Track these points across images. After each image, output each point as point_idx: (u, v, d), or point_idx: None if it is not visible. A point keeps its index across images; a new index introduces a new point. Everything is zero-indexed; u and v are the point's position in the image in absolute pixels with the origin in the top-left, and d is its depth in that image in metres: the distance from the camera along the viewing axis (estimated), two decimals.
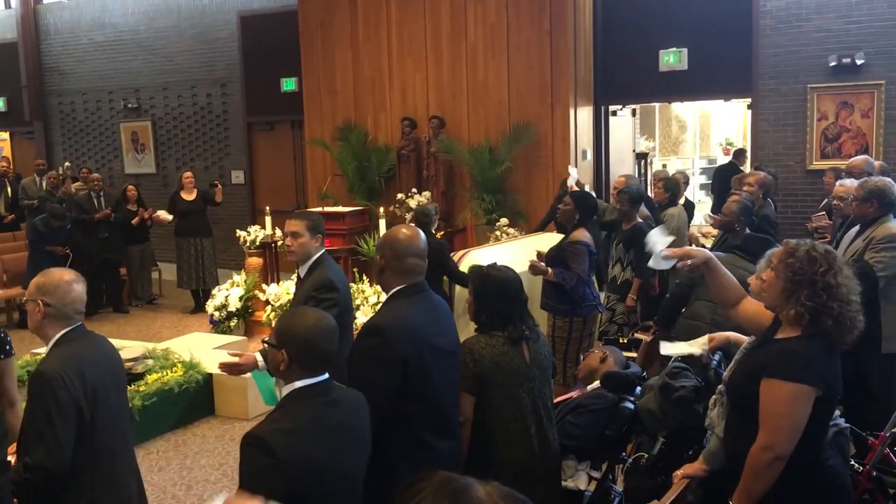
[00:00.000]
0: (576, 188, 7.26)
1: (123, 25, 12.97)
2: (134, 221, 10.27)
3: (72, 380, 2.83)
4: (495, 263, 3.47)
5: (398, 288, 3.04)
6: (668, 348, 3.55)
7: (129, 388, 4.42)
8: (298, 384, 2.45)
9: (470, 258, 6.89)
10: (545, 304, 5.72)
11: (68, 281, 2.97)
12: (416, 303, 3.02)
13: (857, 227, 4.87)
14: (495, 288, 3.31)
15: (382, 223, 8.72)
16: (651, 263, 3.37)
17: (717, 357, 3.55)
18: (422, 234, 3.16)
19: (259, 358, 3.76)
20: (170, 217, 10.16)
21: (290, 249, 4.04)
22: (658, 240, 3.33)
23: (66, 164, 12.18)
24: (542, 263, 5.59)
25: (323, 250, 4.12)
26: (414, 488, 1.25)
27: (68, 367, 2.86)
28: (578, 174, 8.44)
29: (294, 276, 8.49)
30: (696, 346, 3.47)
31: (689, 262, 3.19)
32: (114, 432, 3.02)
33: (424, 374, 2.92)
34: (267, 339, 2.55)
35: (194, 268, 10.19)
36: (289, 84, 11.41)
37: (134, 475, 3.20)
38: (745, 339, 3.13)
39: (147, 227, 10.56)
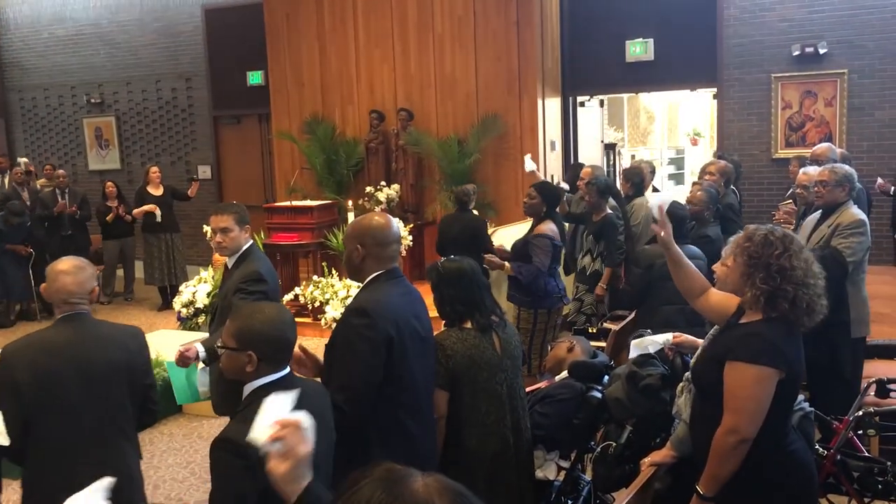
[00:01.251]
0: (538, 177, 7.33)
1: (85, 19, 12.75)
2: (108, 218, 10.11)
3: (15, 365, 2.96)
4: (450, 257, 3.50)
5: (377, 273, 3.03)
6: (634, 349, 3.57)
7: None
8: (260, 382, 2.41)
9: (498, 236, 6.98)
10: (511, 297, 5.73)
11: (57, 271, 3.11)
12: (393, 286, 3.04)
13: (817, 214, 4.90)
14: (450, 278, 3.34)
15: (351, 216, 8.68)
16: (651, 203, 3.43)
17: None
18: (392, 219, 3.14)
19: (200, 349, 3.71)
20: (154, 207, 9.95)
21: (221, 245, 4.05)
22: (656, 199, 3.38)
23: (24, 159, 11.86)
24: (497, 259, 5.75)
25: (251, 241, 4.16)
26: (356, 478, 1.27)
27: (19, 351, 3.01)
28: (548, 165, 8.47)
29: None
30: (660, 339, 3.52)
31: (662, 233, 3.18)
32: (69, 423, 2.98)
33: (404, 356, 2.93)
34: (220, 343, 2.46)
35: (165, 264, 10.07)
36: (255, 77, 11.30)
37: (95, 469, 3.04)
38: None
39: (127, 223, 10.34)
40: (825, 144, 6.53)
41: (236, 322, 2.46)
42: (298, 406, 2.42)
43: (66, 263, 3.13)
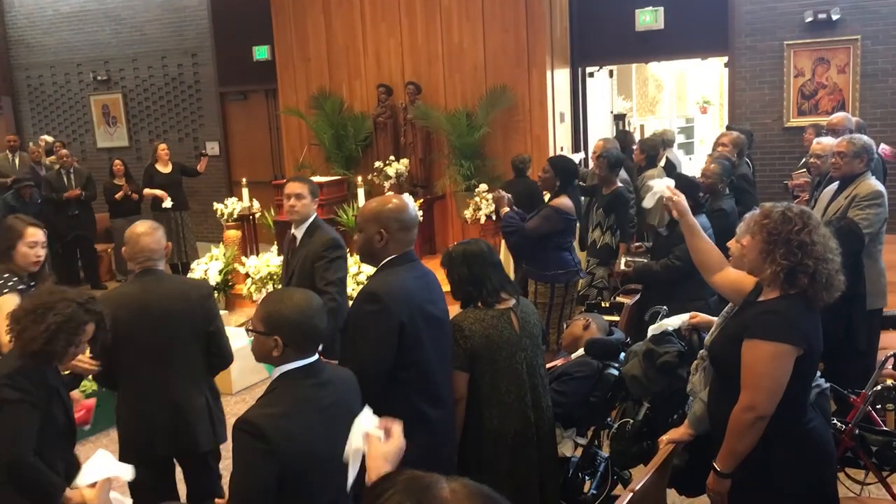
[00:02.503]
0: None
1: None
2: (117, 196, 10.07)
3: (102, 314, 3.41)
4: (460, 241, 3.52)
5: (392, 257, 3.02)
6: (651, 329, 3.57)
7: None
8: (288, 367, 2.42)
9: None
10: (527, 271, 5.72)
11: (137, 233, 3.59)
12: (408, 270, 3.03)
13: (834, 185, 4.85)
14: (460, 260, 3.34)
15: (361, 192, 8.65)
16: (645, 202, 3.68)
17: None
18: (408, 201, 3.13)
19: None
20: (164, 195, 9.82)
21: (293, 209, 4.40)
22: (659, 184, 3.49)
23: (46, 137, 11.83)
24: (502, 197, 5.85)
25: (316, 214, 4.51)
26: (382, 486, 1.26)
27: (102, 303, 3.37)
28: (557, 137, 8.42)
29: (273, 248, 8.44)
30: (677, 321, 3.51)
31: (675, 200, 3.27)
32: (138, 362, 3.50)
33: (418, 340, 2.93)
34: (250, 327, 2.47)
35: (176, 241, 10.04)
36: (261, 52, 11.21)
37: (160, 399, 3.53)
38: None
39: (135, 201, 10.29)
40: (841, 114, 6.46)
41: (265, 307, 2.46)
42: (326, 395, 2.43)
43: (143, 226, 3.62)
